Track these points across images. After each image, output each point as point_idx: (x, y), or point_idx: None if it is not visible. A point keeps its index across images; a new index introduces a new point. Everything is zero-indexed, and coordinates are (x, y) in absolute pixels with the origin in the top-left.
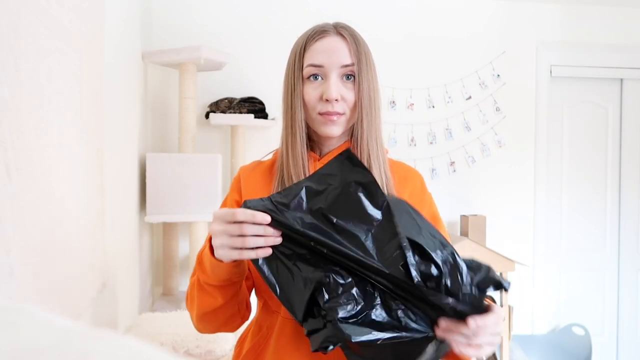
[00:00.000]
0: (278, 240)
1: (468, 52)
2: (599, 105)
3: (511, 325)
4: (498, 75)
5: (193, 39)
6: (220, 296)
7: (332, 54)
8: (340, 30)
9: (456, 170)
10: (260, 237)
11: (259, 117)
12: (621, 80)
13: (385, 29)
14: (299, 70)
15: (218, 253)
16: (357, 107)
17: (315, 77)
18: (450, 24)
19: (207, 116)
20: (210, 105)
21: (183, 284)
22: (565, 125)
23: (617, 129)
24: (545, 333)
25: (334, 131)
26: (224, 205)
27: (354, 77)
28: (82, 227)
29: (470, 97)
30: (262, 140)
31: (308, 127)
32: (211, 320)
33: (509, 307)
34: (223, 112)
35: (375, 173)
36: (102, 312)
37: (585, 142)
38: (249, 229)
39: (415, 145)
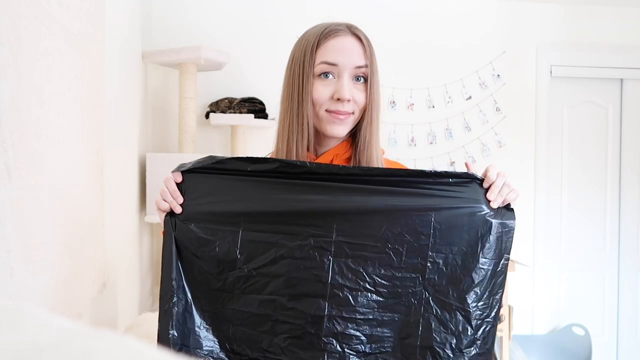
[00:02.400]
0: (177, 209)
1: (468, 52)
2: (599, 105)
3: (511, 325)
4: (498, 76)
5: (193, 39)
6: None
7: (347, 53)
8: (354, 30)
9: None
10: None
11: (259, 117)
12: (621, 80)
13: (385, 29)
14: (310, 67)
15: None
16: (367, 109)
17: (327, 75)
18: (451, 24)
19: (207, 116)
20: (211, 105)
21: None
22: (565, 126)
23: (617, 129)
24: (545, 333)
25: (341, 131)
26: None
27: (364, 78)
28: (82, 227)
29: (470, 97)
30: (262, 140)
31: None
32: None
33: (509, 307)
34: (223, 112)
35: None
36: (102, 312)
37: (586, 142)
38: (164, 194)
39: (415, 145)
